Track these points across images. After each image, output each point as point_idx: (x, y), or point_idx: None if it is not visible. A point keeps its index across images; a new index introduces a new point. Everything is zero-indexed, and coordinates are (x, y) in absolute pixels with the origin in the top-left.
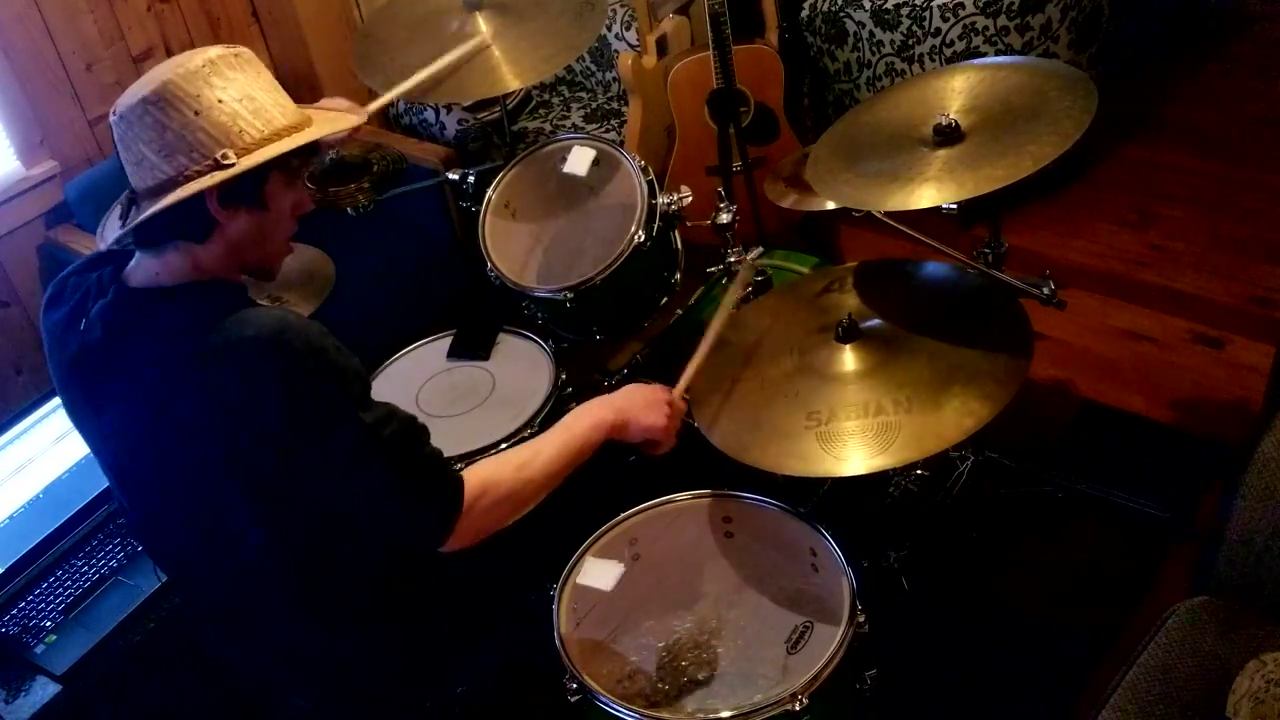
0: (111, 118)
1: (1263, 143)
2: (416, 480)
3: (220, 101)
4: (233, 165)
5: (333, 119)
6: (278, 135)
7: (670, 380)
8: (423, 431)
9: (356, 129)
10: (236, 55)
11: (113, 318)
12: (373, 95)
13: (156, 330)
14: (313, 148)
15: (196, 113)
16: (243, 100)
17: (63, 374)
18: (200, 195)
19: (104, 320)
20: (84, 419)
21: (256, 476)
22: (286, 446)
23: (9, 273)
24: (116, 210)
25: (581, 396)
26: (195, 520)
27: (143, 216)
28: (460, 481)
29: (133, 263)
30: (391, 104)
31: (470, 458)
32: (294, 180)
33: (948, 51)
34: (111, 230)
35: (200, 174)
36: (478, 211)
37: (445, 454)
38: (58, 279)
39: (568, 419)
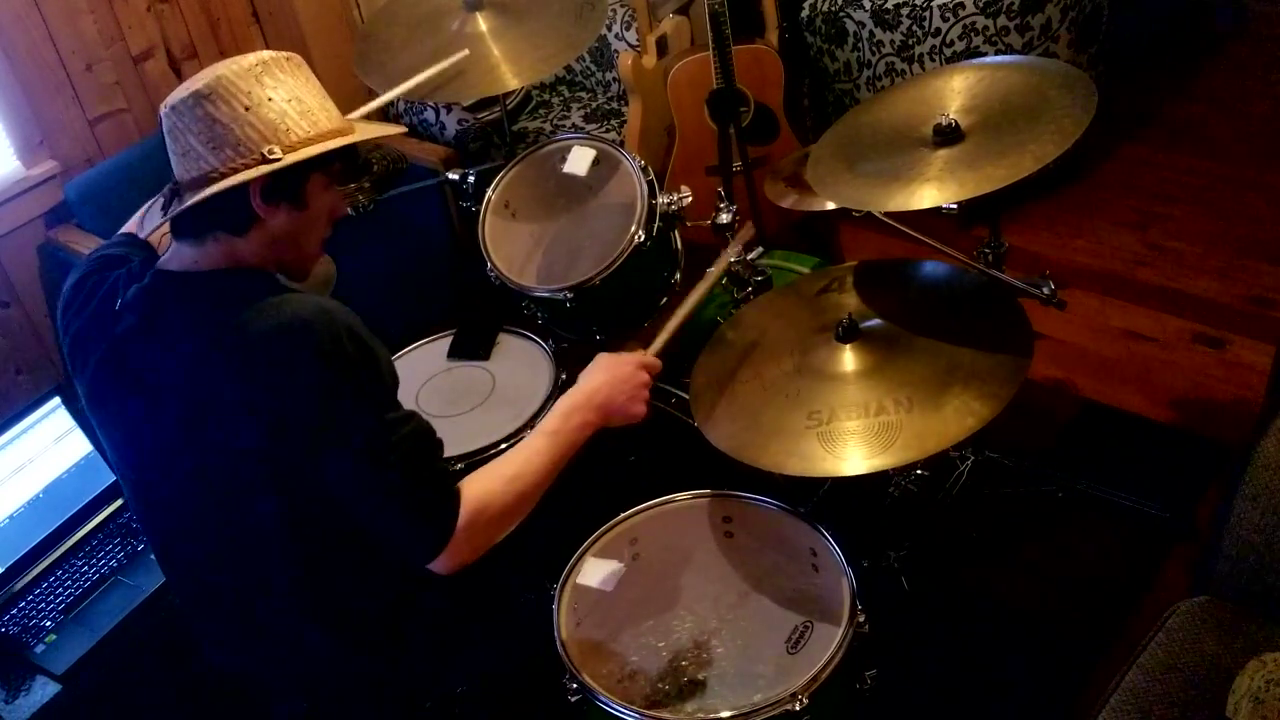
0: (162, 110)
1: (1263, 143)
2: (418, 490)
3: (270, 100)
4: (278, 160)
5: (375, 128)
6: (322, 137)
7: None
8: (437, 445)
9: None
10: (288, 59)
11: (150, 300)
12: (371, 95)
13: (194, 311)
14: (354, 154)
15: (247, 108)
16: (291, 101)
17: (90, 366)
18: (244, 188)
19: (140, 303)
20: (109, 408)
21: (282, 462)
22: (314, 432)
23: (9, 273)
24: (158, 202)
25: None
26: (213, 507)
27: (186, 204)
28: (457, 504)
29: (168, 254)
30: (391, 104)
31: (470, 458)
32: (332, 184)
33: (948, 51)
34: (152, 221)
35: (246, 167)
36: (478, 211)
37: (445, 454)
38: (74, 283)
39: (554, 422)
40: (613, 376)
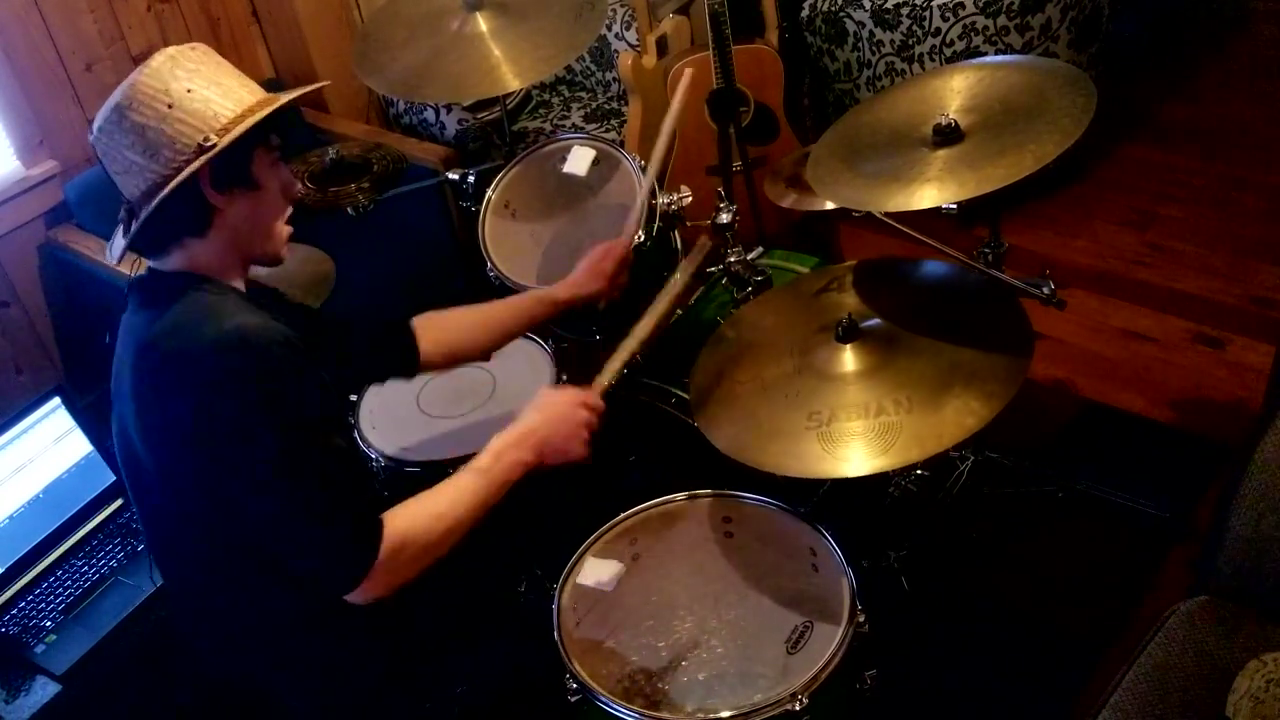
0: (90, 137)
1: (1263, 143)
2: (334, 524)
3: (189, 91)
4: (215, 145)
5: (298, 89)
6: (251, 112)
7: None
8: (363, 475)
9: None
10: (193, 49)
11: (129, 298)
12: (372, 95)
13: (138, 319)
14: (289, 123)
15: (170, 105)
16: (210, 86)
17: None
18: (195, 183)
19: (125, 308)
20: (112, 406)
21: (194, 481)
22: (229, 462)
23: (9, 273)
24: (120, 228)
25: None
26: (188, 517)
27: (142, 217)
28: (379, 536)
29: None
30: (391, 103)
31: (470, 459)
32: (278, 160)
33: (948, 51)
34: (118, 246)
35: (188, 162)
36: (478, 211)
37: (445, 454)
38: None
39: (487, 461)
40: (550, 415)
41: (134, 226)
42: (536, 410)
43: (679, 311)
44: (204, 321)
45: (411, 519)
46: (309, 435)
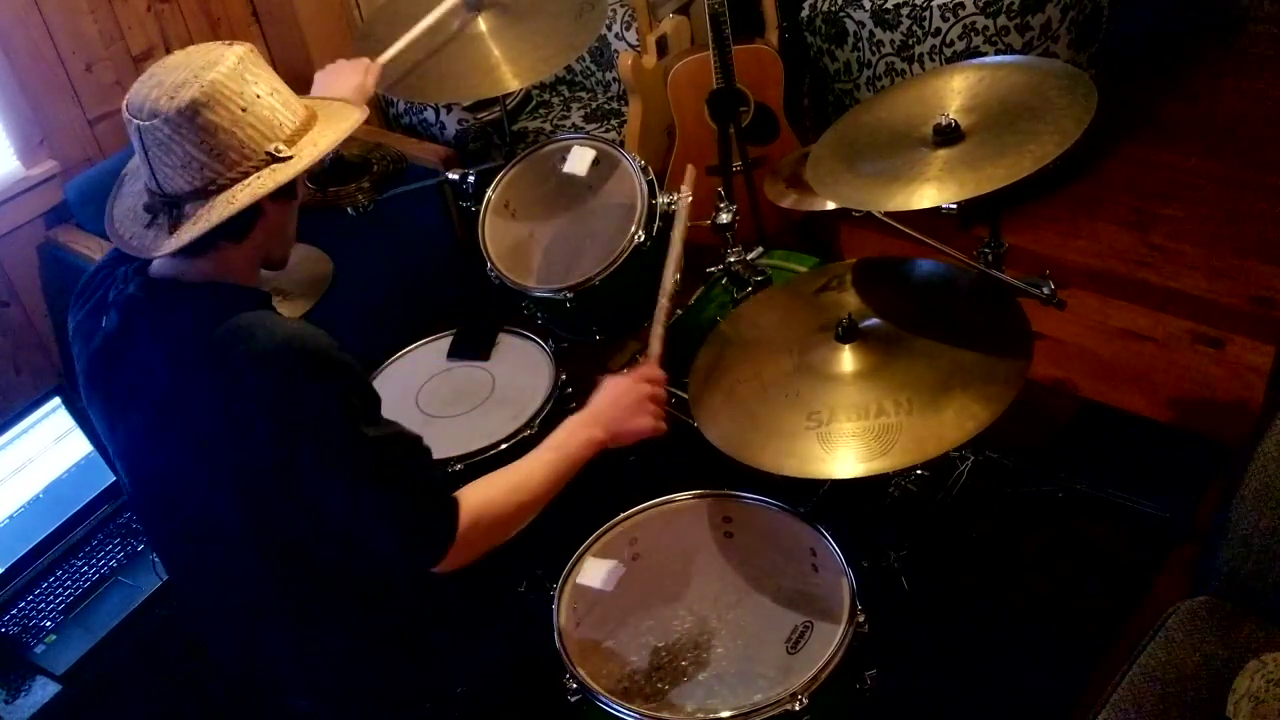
0: (143, 121)
1: (1263, 143)
2: (412, 503)
3: (259, 97)
4: (289, 157)
5: (342, 109)
6: (306, 125)
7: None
8: (428, 454)
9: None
10: (250, 50)
11: (132, 308)
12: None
13: (173, 323)
14: None
15: (243, 109)
16: (273, 94)
17: (85, 368)
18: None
19: (123, 309)
20: (102, 412)
21: (249, 480)
22: (284, 453)
23: (9, 273)
24: (127, 207)
25: (581, 397)
26: (190, 517)
27: (220, 218)
28: (455, 509)
29: (157, 261)
30: (391, 103)
31: (470, 458)
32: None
33: (948, 51)
34: (151, 242)
35: (255, 169)
36: (478, 211)
37: (445, 454)
38: (86, 276)
39: (560, 437)
40: (614, 394)
41: (186, 225)
42: (600, 391)
43: (678, 277)
44: (259, 330)
45: (486, 494)
46: (381, 422)
